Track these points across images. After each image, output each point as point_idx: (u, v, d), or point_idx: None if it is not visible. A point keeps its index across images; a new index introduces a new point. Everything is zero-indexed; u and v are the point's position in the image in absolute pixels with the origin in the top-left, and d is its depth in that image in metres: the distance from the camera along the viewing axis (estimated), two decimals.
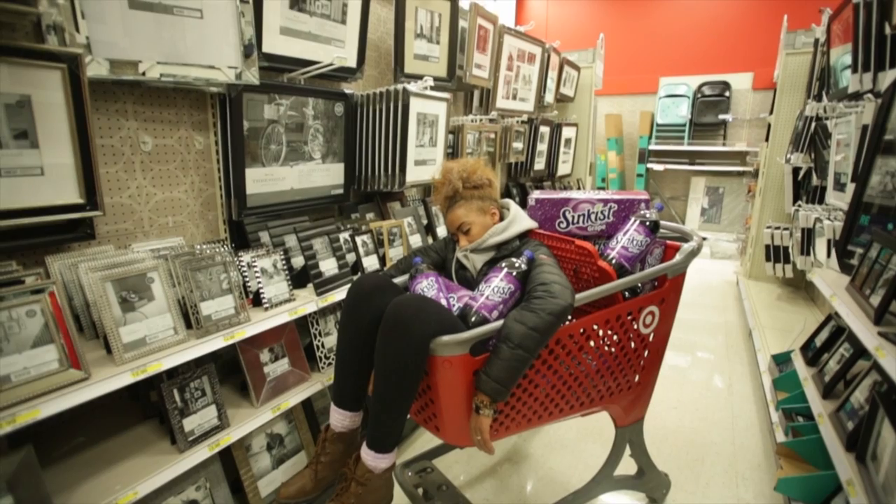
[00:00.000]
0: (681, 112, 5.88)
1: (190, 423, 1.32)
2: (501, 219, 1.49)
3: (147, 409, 1.44)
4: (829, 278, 1.59)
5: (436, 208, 2.46)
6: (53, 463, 1.22)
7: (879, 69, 1.82)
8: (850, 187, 1.79)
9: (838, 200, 2.08)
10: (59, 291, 1.03)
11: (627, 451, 1.66)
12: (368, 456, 1.19)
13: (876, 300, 1.24)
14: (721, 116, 5.68)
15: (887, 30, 1.71)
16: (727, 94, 5.72)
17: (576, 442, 2.16)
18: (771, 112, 3.88)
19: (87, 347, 1.20)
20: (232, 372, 1.67)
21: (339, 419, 1.32)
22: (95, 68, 1.19)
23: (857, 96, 2.01)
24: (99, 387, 1.03)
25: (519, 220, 1.47)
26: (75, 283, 1.23)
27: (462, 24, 2.49)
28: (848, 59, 2.15)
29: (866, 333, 1.18)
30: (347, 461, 1.27)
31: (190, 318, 1.29)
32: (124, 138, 1.40)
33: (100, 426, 1.37)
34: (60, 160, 1.15)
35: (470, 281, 1.46)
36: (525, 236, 1.47)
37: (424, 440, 2.11)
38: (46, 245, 1.22)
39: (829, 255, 1.83)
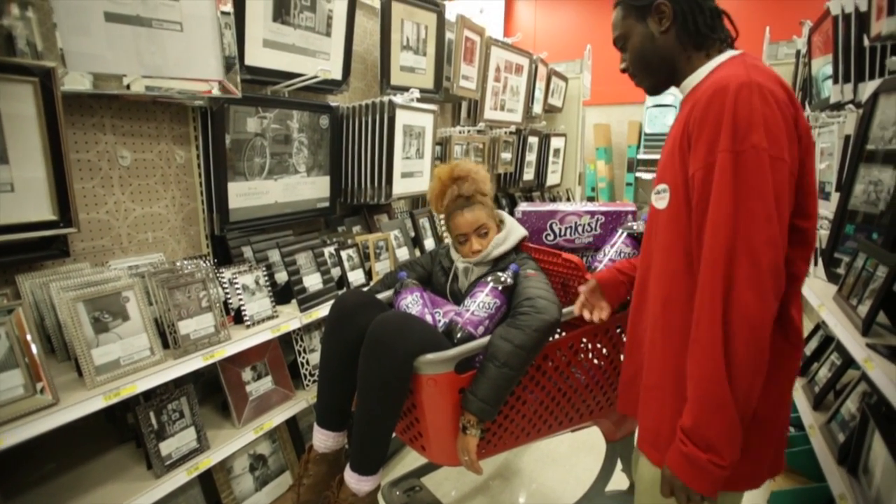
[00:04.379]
0: (668, 122, 5.94)
1: (167, 447, 1.27)
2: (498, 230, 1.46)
3: (123, 431, 1.39)
4: (816, 287, 1.59)
5: (421, 215, 2.43)
6: (20, 492, 1.16)
7: (859, 80, 1.84)
8: (835, 196, 1.80)
9: (824, 209, 2.09)
10: (25, 313, 0.99)
11: (619, 465, 1.63)
12: (352, 478, 1.15)
13: (863, 310, 1.23)
14: None
15: (866, 42, 1.73)
16: None
17: (567, 456, 2.13)
18: None
19: (58, 370, 1.15)
20: (214, 390, 1.62)
21: (323, 440, 1.28)
22: (77, 81, 1.17)
23: (838, 106, 2.04)
24: (68, 413, 0.99)
25: (515, 230, 1.44)
26: (47, 303, 1.19)
27: (449, 35, 2.50)
28: (829, 70, 2.17)
29: (854, 345, 1.17)
30: (331, 484, 1.23)
31: (167, 338, 1.25)
32: (101, 153, 1.37)
33: (72, 451, 1.32)
34: (32, 176, 1.11)
35: (457, 294, 1.43)
36: (518, 247, 1.45)
37: (413, 457, 2.06)
38: (17, 263, 1.18)
39: (816, 263, 1.83)
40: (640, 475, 0.94)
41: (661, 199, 0.87)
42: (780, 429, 0.86)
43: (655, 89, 0.96)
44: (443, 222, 2.50)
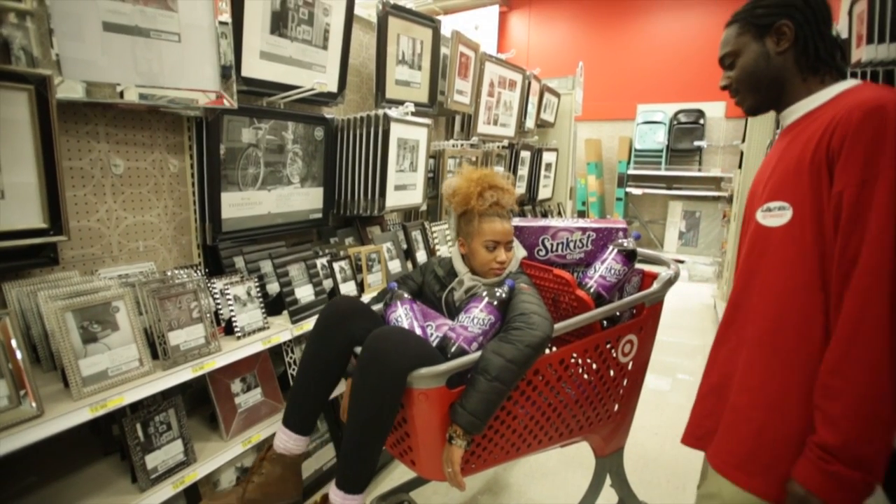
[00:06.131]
0: (658, 138, 6.05)
1: (153, 460, 1.25)
2: None
3: (108, 443, 1.37)
4: None
5: (414, 228, 2.44)
6: None
7: None
8: None
9: None
10: (12, 322, 0.98)
11: (608, 481, 1.64)
12: (337, 497, 1.13)
13: None
14: (696, 143, 5.87)
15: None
16: (702, 121, 5.93)
17: (556, 471, 2.12)
18: (743, 140, 4.02)
19: (44, 380, 1.13)
20: (202, 401, 1.60)
21: (284, 440, 1.25)
22: (71, 89, 1.16)
23: None
24: (53, 424, 0.97)
25: (519, 250, 1.46)
26: (33, 312, 1.18)
27: (444, 51, 2.53)
28: None
29: None
30: (283, 488, 1.20)
31: (157, 349, 1.24)
32: (94, 161, 1.36)
33: (54, 463, 1.29)
34: (23, 183, 1.11)
35: (451, 305, 1.43)
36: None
37: (402, 471, 2.05)
38: (5, 271, 1.17)
39: None
40: (723, 499, 0.92)
41: (775, 217, 0.87)
42: None
43: (756, 110, 0.97)
44: (435, 231, 2.51)
